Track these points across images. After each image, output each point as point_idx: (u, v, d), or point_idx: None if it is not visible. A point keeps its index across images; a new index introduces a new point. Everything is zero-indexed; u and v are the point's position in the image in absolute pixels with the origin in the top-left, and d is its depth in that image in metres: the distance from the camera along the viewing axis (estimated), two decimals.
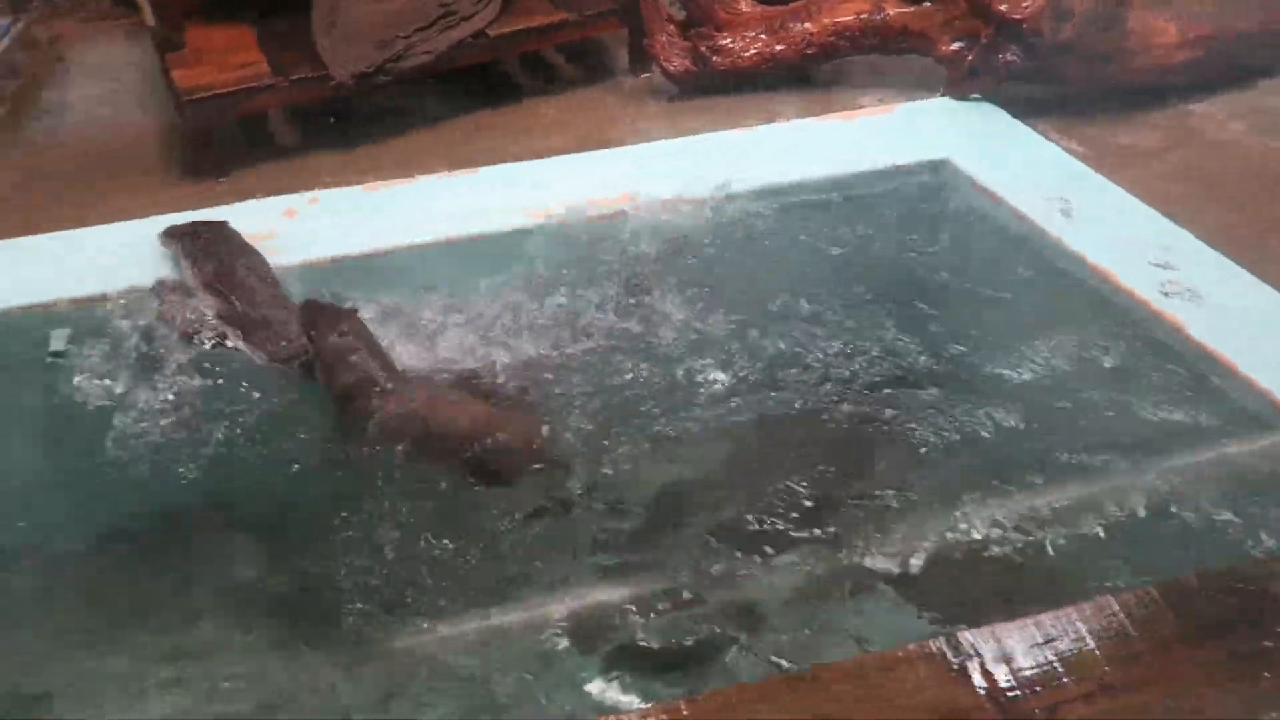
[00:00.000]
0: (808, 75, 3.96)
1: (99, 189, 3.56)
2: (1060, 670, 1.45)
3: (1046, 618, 1.51)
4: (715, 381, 2.30)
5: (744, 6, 4.00)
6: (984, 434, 2.15)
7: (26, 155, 3.86)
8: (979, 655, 1.46)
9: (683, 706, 1.42)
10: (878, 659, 1.50)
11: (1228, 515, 1.92)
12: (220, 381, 2.32)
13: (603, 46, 4.39)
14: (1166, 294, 2.43)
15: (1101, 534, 1.92)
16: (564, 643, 1.75)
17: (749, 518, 1.99)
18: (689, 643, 1.76)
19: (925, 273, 2.71)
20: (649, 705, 1.54)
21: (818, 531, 1.95)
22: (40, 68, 4.50)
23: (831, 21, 3.81)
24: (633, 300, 2.54)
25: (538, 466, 2.09)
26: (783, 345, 2.39)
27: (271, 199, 3.01)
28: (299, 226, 2.84)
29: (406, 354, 2.32)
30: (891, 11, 3.73)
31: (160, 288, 2.59)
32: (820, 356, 2.37)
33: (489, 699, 1.67)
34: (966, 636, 1.49)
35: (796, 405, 2.25)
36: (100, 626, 1.88)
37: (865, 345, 2.39)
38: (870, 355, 2.37)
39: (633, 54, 4.16)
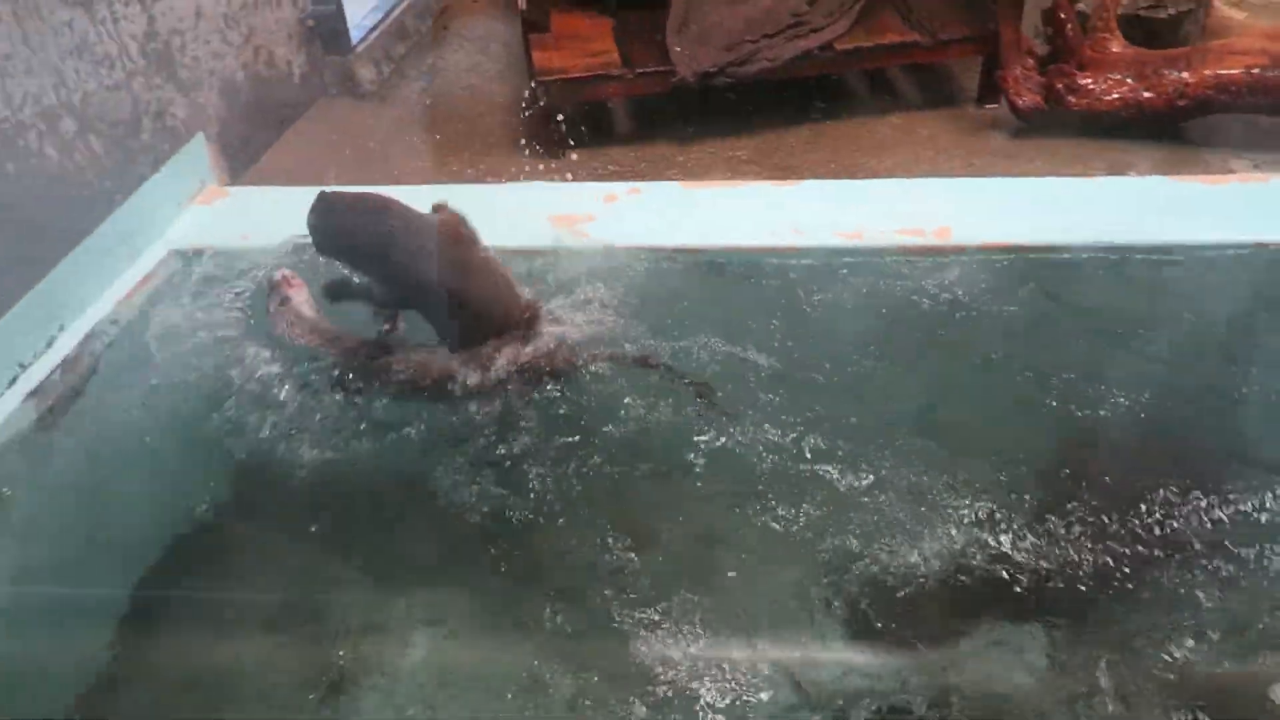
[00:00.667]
0: (1171, 128, 3.63)
1: (451, 149, 3.88)
2: None
3: None
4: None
5: (1115, 47, 3.73)
6: None
7: (402, 110, 4.27)
8: None
9: None
10: None
11: None
12: None
13: (950, 72, 4.24)
14: None
15: None
16: None
17: None
18: None
19: None
20: None
21: None
22: (428, 34, 4.96)
23: (1214, 73, 3.46)
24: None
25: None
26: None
27: (596, 184, 3.14)
28: (614, 213, 2.94)
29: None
30: None
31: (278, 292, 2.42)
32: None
33: None
34: None
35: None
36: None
37: None
38: None
39: (982, 83, 3.99)
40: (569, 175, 3.52)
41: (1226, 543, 1.88)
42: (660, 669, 1.74)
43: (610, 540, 1.97)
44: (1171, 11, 4.06)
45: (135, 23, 2.89)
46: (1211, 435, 2.18)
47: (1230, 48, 3.58)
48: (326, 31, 4.25)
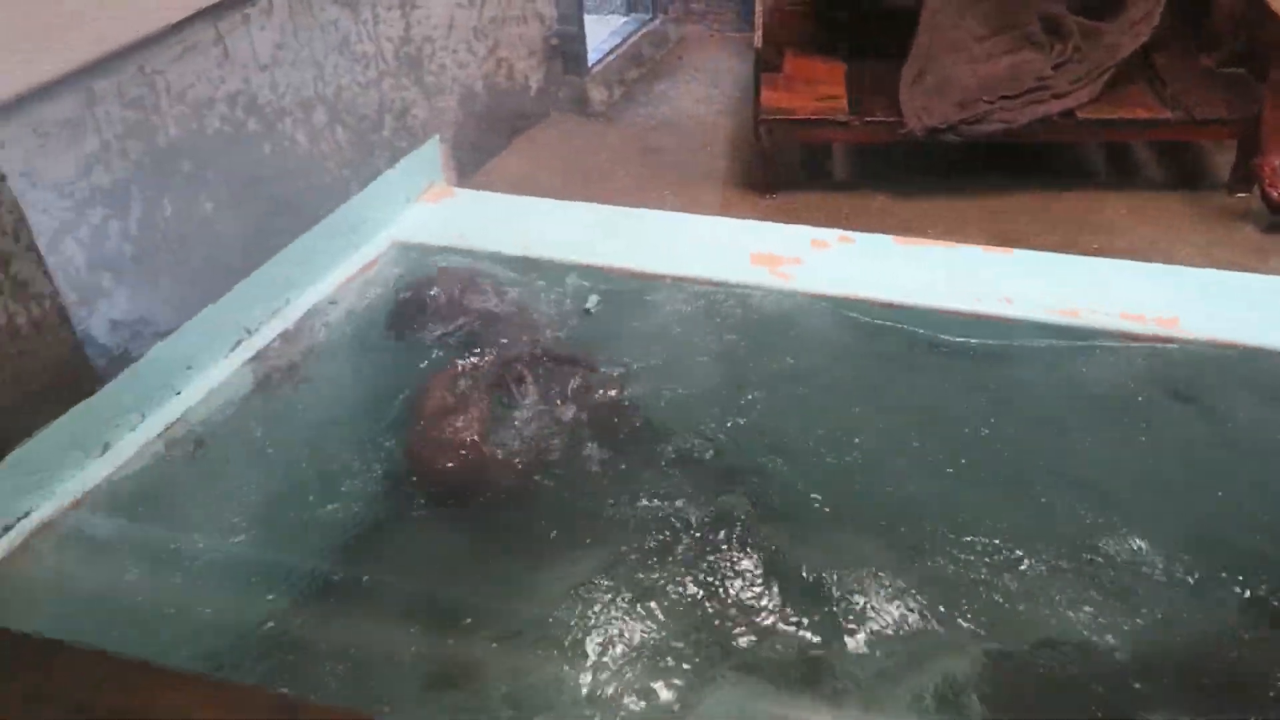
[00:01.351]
0: None
1: (665, 174, 3.95)
2: None
3: None
4: None
5: None
6: None
7: (624, 132, 4.38)
8: None
9: None
10: None
11: None
12: None
13: (1200, 153, 3.98)
14: None
15: None
16: None
17: None
18: None
19: None
20: None
21: None
22: (662, 62, 5.07)
23: None
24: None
25: None
26: None
27: (806, 227, 3.11)
28: (822, 259, 2.91)
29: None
30: None
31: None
32: None
33: None
34: None
35: None
36: None
37: None
38: None
39: (1235, 170, 3.73)
40: (777, 216, 3.51)
41: None
42: None
43: None
44: None
45: (394, 27, 3.09)
46: None
47: None
48: (567, 51, 4.41)
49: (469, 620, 1.90)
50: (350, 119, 2.91)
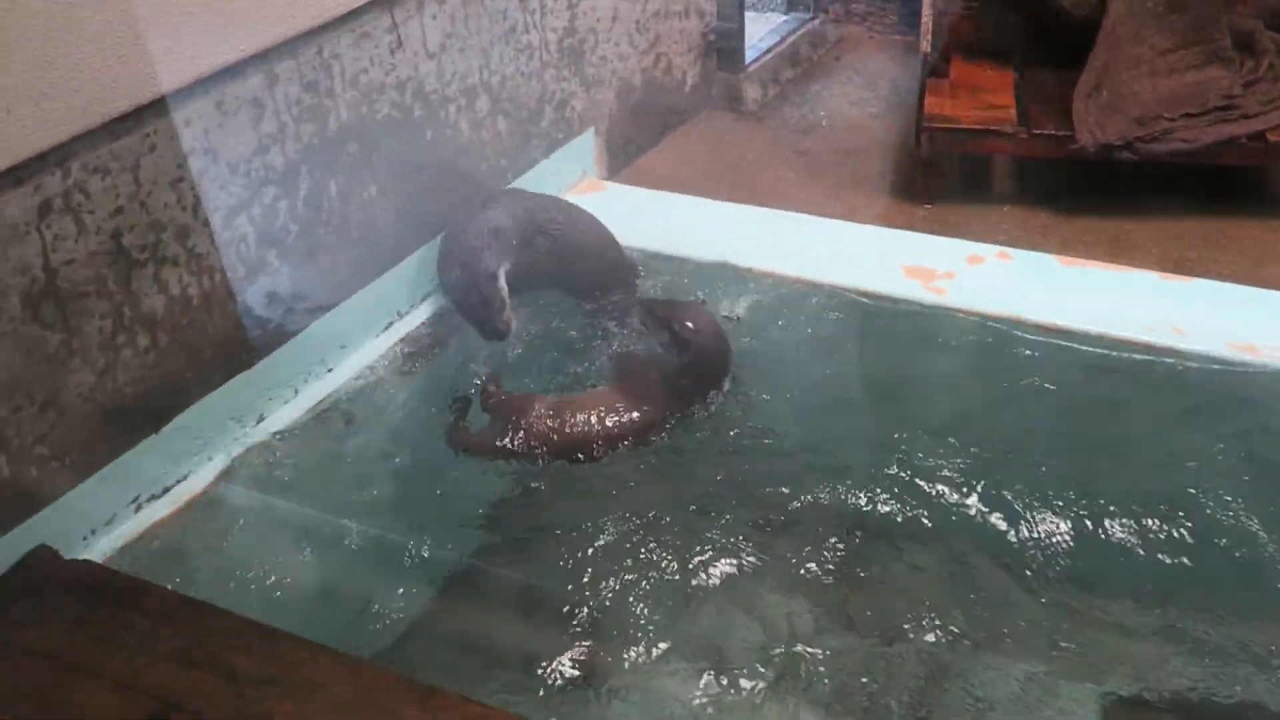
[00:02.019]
0: None
1: (816, 178, 3.87)
2: None
3: None
4: None
5: None
6: None
7: (777, 133, 4.31)
8: None
9: None
10: None
11: None
12: None
13: None
14: None
15: None
16: None
17: None
18: None
19: None
20: None
21: None
22: (818, 62, 4.98)
23: None
24: None
25: None
26: None
27: (962, 241, 3.00)
28: (977, 275, 2.80)
29: None
30: None
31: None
32: None
33: None
34: None
35: None
36: None
37: None
38: None
39: None
40: (932, 227, 3.39)
41: None
42: None
43: None
44: None
45: (559, 18, 3.10)
46: None
47: None
48: (725, 48, 4.36)
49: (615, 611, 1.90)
50: (511, 108, 2.94)
